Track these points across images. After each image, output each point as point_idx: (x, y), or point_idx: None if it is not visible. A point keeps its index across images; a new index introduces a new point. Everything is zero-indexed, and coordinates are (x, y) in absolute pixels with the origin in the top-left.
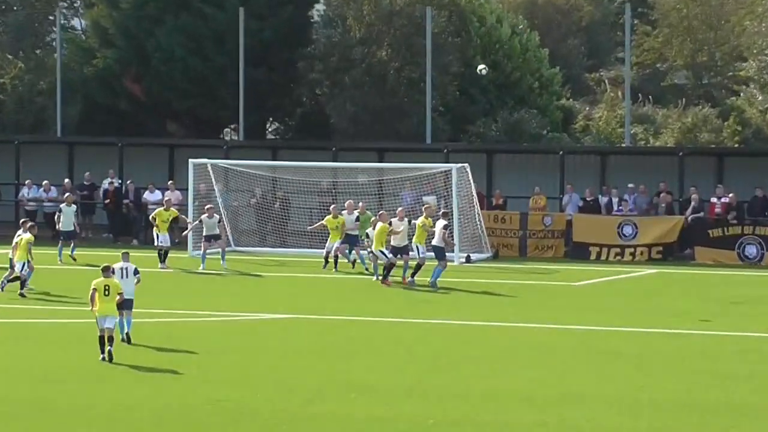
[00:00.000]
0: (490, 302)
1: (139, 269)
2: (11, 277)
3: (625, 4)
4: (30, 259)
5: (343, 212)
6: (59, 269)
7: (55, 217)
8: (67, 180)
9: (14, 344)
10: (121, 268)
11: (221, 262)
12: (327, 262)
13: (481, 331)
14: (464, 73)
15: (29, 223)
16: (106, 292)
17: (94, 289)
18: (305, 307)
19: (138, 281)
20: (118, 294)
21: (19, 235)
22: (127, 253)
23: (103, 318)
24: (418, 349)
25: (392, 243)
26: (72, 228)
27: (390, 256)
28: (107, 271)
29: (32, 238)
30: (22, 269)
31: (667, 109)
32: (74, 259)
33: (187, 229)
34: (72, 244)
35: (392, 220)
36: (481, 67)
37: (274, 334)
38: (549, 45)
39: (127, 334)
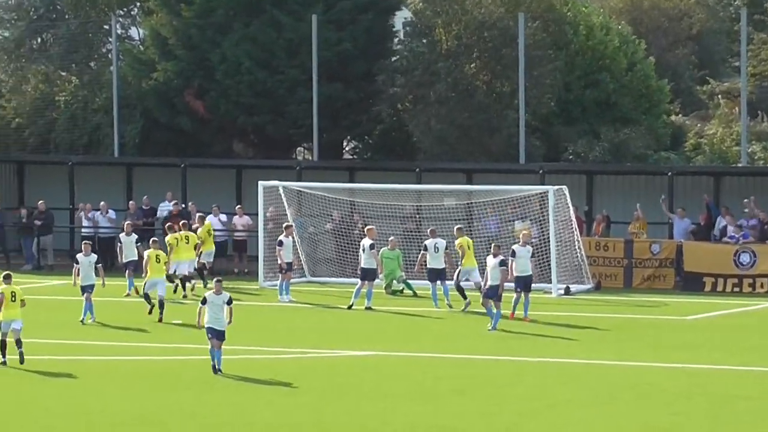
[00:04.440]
0: (592, 338)
1: (233, 299)
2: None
3: (741, 9)
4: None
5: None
6: (126, 302)
7: (117, 248)
8: (132, 202)
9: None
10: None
11: (285, 294)
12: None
13: (582, 371)
14: (561, 88)
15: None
16: (13, 298)
17: (2, 294)
18: (388, 344)
19: (230, 313)
20: (21, 300)
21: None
22: (220, 281)
23: (9, 322)
24: (511, 390)
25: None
26: (136, 257)
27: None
28: (8, 278)
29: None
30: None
31: None
32: (137, 292)
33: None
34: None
35: (514, 247)
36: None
37: (353, 373)
38: (655, 54)
39: (217, 367)
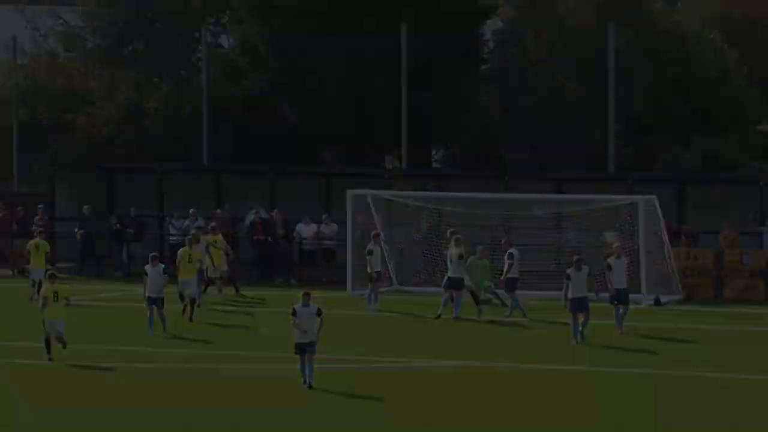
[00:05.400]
0: (682, 349)
1: (322, 310)
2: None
3: None
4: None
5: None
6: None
7: None
8: (218, 210)
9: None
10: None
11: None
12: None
13: (673, 382)
14: (651, 97)
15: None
16: (55, 298)
17: (45, 297)
18: (475, 354)
19: (321, 324)
20: (65, 299)
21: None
22: (309, 294)
23: (52, 321)
24: (603, 400)
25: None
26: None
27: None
28: (53, 278)
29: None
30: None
31: None
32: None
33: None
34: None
35: (610, 260)
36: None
37: (442, 383)
38: (746, 63)
39: (308, 382)
